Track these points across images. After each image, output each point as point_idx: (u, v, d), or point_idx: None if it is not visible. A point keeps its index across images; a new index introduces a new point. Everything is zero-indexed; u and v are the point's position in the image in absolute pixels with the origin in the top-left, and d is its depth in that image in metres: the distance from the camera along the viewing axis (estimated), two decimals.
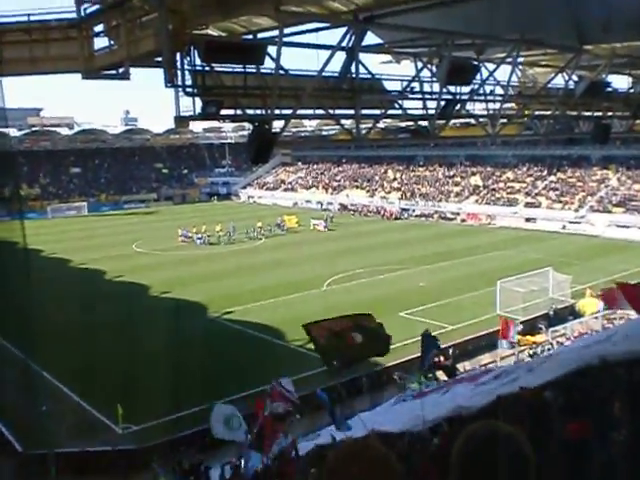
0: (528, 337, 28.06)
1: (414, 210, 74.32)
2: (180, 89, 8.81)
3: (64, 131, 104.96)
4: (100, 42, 10.34)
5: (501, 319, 27.21)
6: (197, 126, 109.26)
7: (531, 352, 25.91)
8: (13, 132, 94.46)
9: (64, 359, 25.71)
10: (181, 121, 9.20)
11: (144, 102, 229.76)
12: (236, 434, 13.91)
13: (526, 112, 16.20)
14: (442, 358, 24.33)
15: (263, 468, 12.62)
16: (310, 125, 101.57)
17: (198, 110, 9.01)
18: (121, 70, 10.12)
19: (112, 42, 10.01)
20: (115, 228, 70.41)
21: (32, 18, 10.56)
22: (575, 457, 3.59)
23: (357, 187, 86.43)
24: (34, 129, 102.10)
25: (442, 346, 24.43)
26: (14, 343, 27.17)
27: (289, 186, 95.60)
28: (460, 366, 23.66)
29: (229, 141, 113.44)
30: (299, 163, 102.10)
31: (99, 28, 10.21)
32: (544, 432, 5.51)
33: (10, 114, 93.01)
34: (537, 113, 16.67)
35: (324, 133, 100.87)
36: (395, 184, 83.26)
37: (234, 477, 13.09)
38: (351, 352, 11.19)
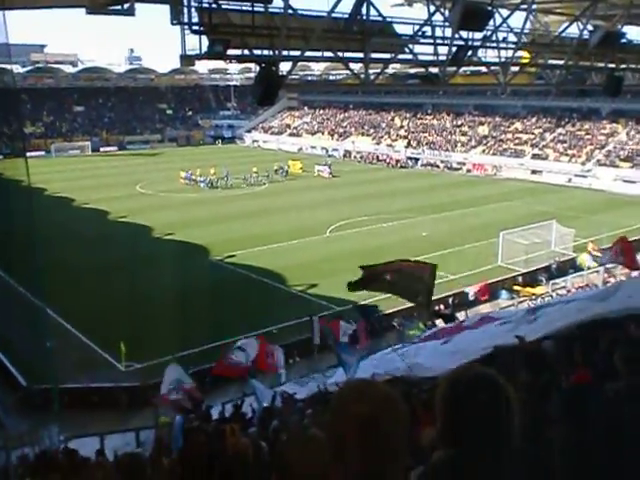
0: (528, 288, 28.29)
1: (420, 159, 73.79)
2: (186, 27, 8.63)
3: (68, 68, 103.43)
4: None
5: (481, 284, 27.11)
6: (202, 67, 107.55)
7: (530, 303, 26.13)
8: (16, 68, 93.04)
9: (68, 297, 25.98)
10: (187, 60, 9.05)
11: (149, 40, 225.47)
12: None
13: (538, 61, 15.87)
14: (442, 306, 24.63)
15: (265, 408, 12.89)
16: (318, 69, 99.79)
17: (204, 49, 8.84)
18: (126, 5, 9.85)
19: None
20: (119, 169, 70.17)
21: None
22: (572, 403, 3.63)
23: (363, 134, 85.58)
24: (37, 66, 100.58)
25: (443, 295, 24.80)
26: (19, 281, 27.46)
27: (294, 131, 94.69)
28: (460, 315, 23.92)
29: (234, 83, 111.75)
30: (305, 108, 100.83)
31: None
32: (542, 381, 5.59)
33: (13, 50, 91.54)
34: (549, 62, 16.33)
35: (331, 77, 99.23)
36: (402, 132, 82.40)
37: (235, 415, 13.36)
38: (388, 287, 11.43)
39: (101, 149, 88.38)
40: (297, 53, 10.21)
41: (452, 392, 1.81)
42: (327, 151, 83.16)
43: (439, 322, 21.28)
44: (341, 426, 1.54)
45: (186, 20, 8.54)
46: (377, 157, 76.92)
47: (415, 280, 11.53)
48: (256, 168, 60.26)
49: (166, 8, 8.80)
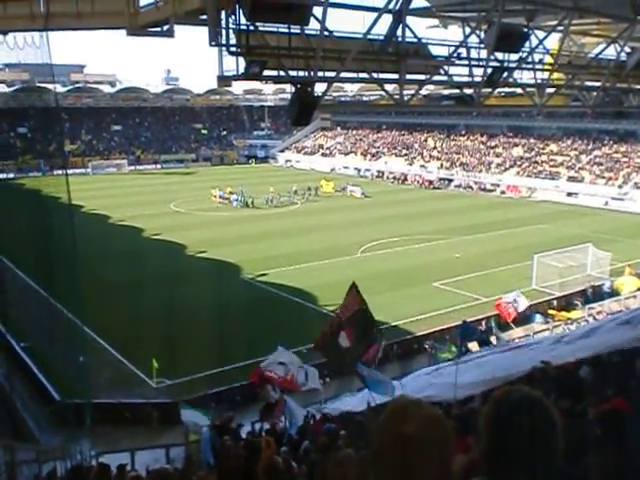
0: (563, 313, 27.78)
1: (453, 180, 73.43)
2: (224, 48, 8.76)
3: (106, 88, 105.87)
4: None
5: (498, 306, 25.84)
6: (237, 88, 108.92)
7: (565, 328, 25.64)
8: (57, 88, 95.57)
9: (103, 314, 26.29)
10: (224, 80, 9.16)
11: (186, 61, 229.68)
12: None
13: (575, 83, 15.73)
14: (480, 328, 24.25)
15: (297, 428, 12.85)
16: (351, 90, 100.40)
17: (241, 70, 8.96)
18: (166, 27, 10.08)
19: None
20: (154, 187, 71.24)
21: None
22: (609, 431, 3.55)
23: (396, 155, 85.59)
24: (77, 85, 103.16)
25: (474, 318, 24.45)
26: (56, 296, 27.92)
27: (327, 151, 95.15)
28: (493, 339, 23.59)
29: (269, 104, 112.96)
30: (338, 128, 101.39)
31: None
32: (580, 407, 5.48)
33: (54, 70, 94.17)
34: (586, 84, 16.18)
35: (365, 98, 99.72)
36: (435, 152, 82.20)
37: (263, 433, 13.33)
38: (343, 354, 11.61)
39: (137, 167, 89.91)
40: (332, 74, 10.28)
41: (498, 412, 1.79)
42: (359, 171, 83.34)
43: (472, 345, 21.01)
44: (389, 445, 1.53)
45: (224, 42, 8.67)
46: (409, 177, 76.74)
47: (348, 326, 12.02)
48: (273, 188, 60.05)
49: (204, 30, 8.96)
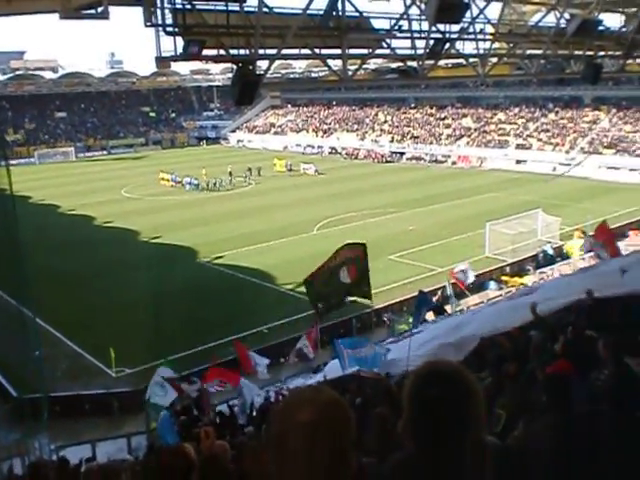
0: (516, 278, 28.39)
1: (405, 153, 73.89)
2: (160, 28, 8.56)
3: (48, 75, 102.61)
4: None
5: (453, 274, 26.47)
6: (184, 68, 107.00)
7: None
8: None
9: (56, 305, 25.78)
10: (162, 62, 8.98)
11: (129, 44, 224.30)
12: (164, 399, 13.93)
13: (516, 51, 15.90)
14: (434, 298, 24.62)
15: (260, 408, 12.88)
16: (299, 67, 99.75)
17: (180, 50, 8.77)
18: (100, 9, 9.77)
19: None
20: (103, 173, 69.75)
21: None
22: (554, 394, 3.63)
23: (347, 130, 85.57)
24: (18, 73, 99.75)
25: (430, 288, 24.77)
26: (5, 290, 27.22)
27: (279, 129, 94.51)
28: (448, 307, 23.99)
29: (217, 83, 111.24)
30: (289, 106, 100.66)
31: None
32: (527, 371, 5.61)
33: None
34: (528, 52, 16.37)
35: (313, 75, 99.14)
36: (386, 126, 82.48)
37: (228, 418, 13.34)
38: (339, 292, 11.55)
39: (85, 154, 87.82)
40: (274, 51, 10.16)
41: (413, 387, 1.80)
42: (313, 148, 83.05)
43: (429, 316, 21.31)
44: (285, 433, 1.52)
45: (160, 22, 8.47)
46: (362, 153, 76.89)
47: (351, 264, 11.99)
48: (205, 171, 59.24)
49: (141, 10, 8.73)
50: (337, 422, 1.52)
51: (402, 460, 1.87)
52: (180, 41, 8.86)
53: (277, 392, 14.41)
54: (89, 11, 10.12)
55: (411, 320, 21.35)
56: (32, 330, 18.03)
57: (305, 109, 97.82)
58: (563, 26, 14.56)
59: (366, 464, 2.18)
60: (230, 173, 58.91)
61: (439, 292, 25.51)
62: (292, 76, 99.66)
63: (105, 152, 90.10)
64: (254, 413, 13.30)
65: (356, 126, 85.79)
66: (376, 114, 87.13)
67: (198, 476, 2.98)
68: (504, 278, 28.57)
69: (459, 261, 29.14)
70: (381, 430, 4.23)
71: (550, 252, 30.70)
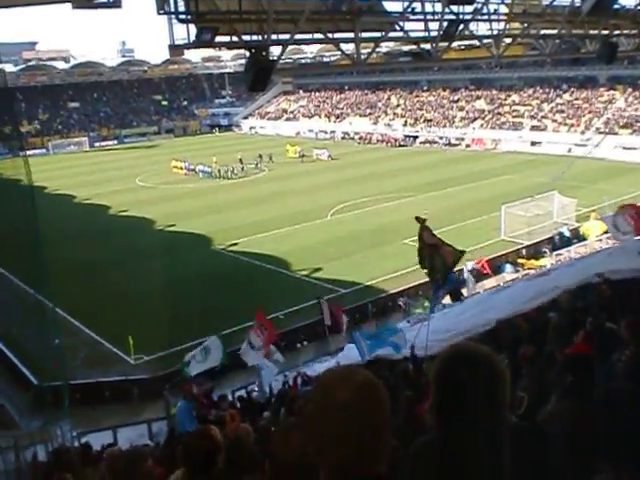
0: (532, 261, 28.25)
1: (418, 137, 73.47)
2: (173, 16, 8.54)
3: (60, 65, 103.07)
4: None
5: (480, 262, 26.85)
6: (195, 55, 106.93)
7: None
8: (9, 67, 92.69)
9: (74, 294, 26.04)
10: (175, 49, 8.96)
11: (140, 32, 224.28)
12: (210, 361, 14.18)
13: (531, 32, 15.71)
14: None
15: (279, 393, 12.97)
16: (311, 51, 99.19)
17: (193, 38, 8.76)
18: None
19: None
20: (117, 163, 70.07)
21: None
22: (577, 374, 3.61)
23: (360, 115, 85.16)
24: (30, 64, 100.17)
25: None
26: (25, 280, 27.53)
27: (291, 115, 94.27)
28: (464, 291, 23.91)
29: (228, 70, 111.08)
30: (300, 91, 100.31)
31: None
32: (545, 352, 5.59)
33: (4, 49, 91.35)
34: (542, 32, 16.17)
35: (325, 59, 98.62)
36: (399, 110, 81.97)
37: (246, 402, 13.45)
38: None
39: (98, 144, 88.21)
40: (286, 37, 10.12)
41: (441, 369, 1.81)
42: (326, 133, 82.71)
43: (446, 300, 21.27)
44: (321, 414, 1.54)
45: (172, 9, 8.45)
46: (375, 137, 76.53)
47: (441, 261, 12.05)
48: (216, 158, 58.86)
49: None
50: (373, 401, 1.54)
51: (428, 443, 1.89)
52: (193, 28, 8.84)
53: (296, 377, 14.48)
54: (101, 0, 10.17)
55: (427, 304, 21.43)
56: (51, 319, 18.28)
57: (317, 94, 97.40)
58: (578, 5, 14.38)
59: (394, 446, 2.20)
60: (240, 160, 58.87)
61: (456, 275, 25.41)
62: (304, 61, 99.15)
63: (118, 141, 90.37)
64: (272, 398, 13.40)
65: (369, 110, 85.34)
66: (389, 98, 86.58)
67: (224, 458, 3.02)
68: (520, 261, 28.42)
69: (474, 244, 29.09)
70: (407, 413, 4.25)
71: (566, 234, 30.49)
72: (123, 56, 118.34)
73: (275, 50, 10.60)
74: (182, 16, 8.59)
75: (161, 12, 8.36)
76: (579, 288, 9.23)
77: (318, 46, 76.46)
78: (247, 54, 9.77)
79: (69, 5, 10.32)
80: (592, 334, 5.68)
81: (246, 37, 9.76)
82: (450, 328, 11.02)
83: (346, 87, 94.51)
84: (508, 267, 27.87)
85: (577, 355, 3.95)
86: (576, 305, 8.24)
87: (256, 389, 14.26)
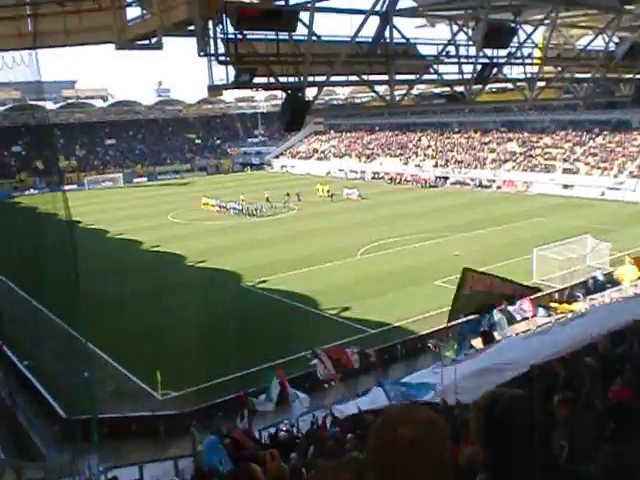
0: (565, 305, 27.75)
1: (449, 178, 73.49)
2: (213, 58, 8.77)
3: (98, 103, 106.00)
4: (133, 12, 10.33)
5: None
6: (229, 96, 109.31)
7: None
8: (49, 105, 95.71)
9: (106, 328, 26.29)
10: (214, 90, 9.18)
11: (176, 72, 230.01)
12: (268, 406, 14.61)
13: (565, 75, 15.75)
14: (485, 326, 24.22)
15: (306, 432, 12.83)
16: (343, 93, 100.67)
17: (231, 78, 8.97)
18: (154, 40, 10.09)
19: (144, 12, 9.98)
20: (151, 199, 71.28)
21: None
22: (617, 422, 3.53)
23: (390, 155, 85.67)
24: (69, 101, 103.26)
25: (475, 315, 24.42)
26: (56, 313, 27.93)
27: (322, 155, 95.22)
28: (496, 334, 23.53)
29: (261, 110, 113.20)
30: (331, 131, 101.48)
31: None
32: (583, 397, 5.46)
33: (45, 87, 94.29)
34: (576, 76, 16.20)
35: (357, 101, 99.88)
36: (429, 151, 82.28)
37: (271, 442, 13.32)
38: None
39: (133, 180, 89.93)
40: (322, 78, 10.29)
41: (487, 417, 1.79)
42: (357, 173, 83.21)
43: (476, 342, 20.97)
44: (386, 450, 1.53)
45: (212, 51, 8.68)
46: (405, 177, 76.74)
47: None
48: (243, 196, 60.15)
49: (192, 40, 8.97)
50: (437, 439, 1.54)
51: None
52: (231, 69, 9.06)
53: (324, 417, 14.33)
54: (144, 42, 10.50)
55: (456, 346, 21.13)
56: (83, 352, 18.46)
57: (348, 134, 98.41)
58: (612, 49, 14.40)
59: None
60: (267, 199, 59.55)
61: (487, 317, 25.07)
62: (336, 102, 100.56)
63: (152, 178, 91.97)
64: (298, 437, 13.26)
65: (399, 151, 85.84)
66: (419, 139, 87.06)
67: None
68: (553, 305, 27.93)
69: None
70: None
71: (600, 278, 29.97)
72: (159, 95, 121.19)
73: (310, 91, 10.81)
74: (222, 58, 8.81)
75: (202, 54, 8.59)
76: (616, 333, 9.05)
77: (350, 87, 77.57)
78: (283, 95, 9.96)
79: (110, 46, 10.77)
80: (632, 381, 5.54)
81: (283, 78, 9.97)
82: (481, 372, 10.82)
83: (377, 128, 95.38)
84: (541, 311, 27.36)
85: (620, 402, 3.86)
86: (614, 351, 8.07)
87: (283, 429, 14.15)
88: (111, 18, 10.16)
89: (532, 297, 26.51)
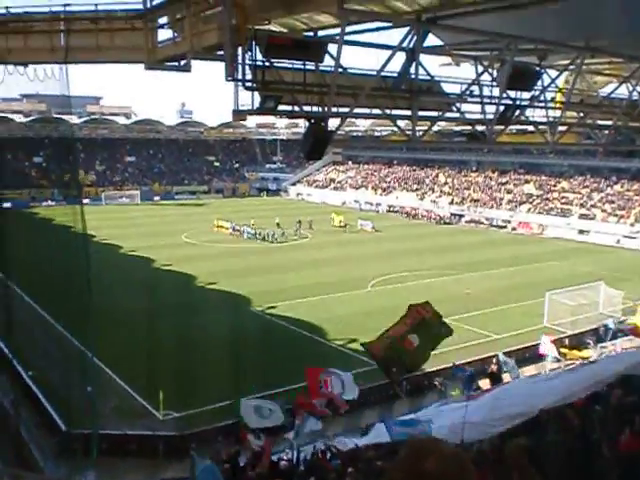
0: (575, 351, 27.43)
1: (464, 215, 73.48)
2: (240, 83, 8.90)
3: (121, 120, 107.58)
4: (164, 34, 10.53)
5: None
6: (250, 121, 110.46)
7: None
8: (73, 119, 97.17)
9: (112, 344, 26.24)
10: (239, 114, 9.29)
11: (200, 95, 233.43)
12: (271, 420, 14.27)
13: (587, 121, 15.80)
14: (494, 367, 24.03)
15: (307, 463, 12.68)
16: (363, 125, 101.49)
17: (256, 104, 9.09)
18: (183, 62, 10.27)
19: (176, 34, 10.17)
20: (166, 218, 71.76)
21: (99, 7, 10.81)
22: (625, 472, 3.47)
23: (407, 189, 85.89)
24: (93, 117, 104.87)
25: (483, 355, 24.27)
26: (65, 325, 27.97)
27: (338, 185, 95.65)
28: (504, 376, 23.29)
29: (281, 137, 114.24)
30: (350, 162, 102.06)
31: (164, 20, 10.38)
32: (593, 445, 5.37)
33: (71, 101, 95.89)
34: (598, 123, 16.26)
35: (376, 133, 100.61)
36: (446, 188, 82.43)
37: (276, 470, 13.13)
38: (411, 357, 11.41)
39: (151, 199, 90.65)
40: (346, 110, 10.40)
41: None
42: (372, 205, 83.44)
43: (483, 383, 20.76)
44: None
45: (240, 77, 8.81)
46: (420, 212, 76.82)
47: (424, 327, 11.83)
48: (254, 221, 60.70)
49: (218, 64, 9.13)
50: (461, 472, 1.52)
51: None
52: (257, 96, 9.18)
53: (325, 449, 14.14)
54: (172, 63, 10.69)
55: (461, 386, 20.90)
56: (88, 366, 18.42)
57: (366, 166, 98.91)
58: (635, 99, 14.46)
59: None
60: (278, 224, 59.75)
61: (494, 359, 24.87)
62: (355, 134, 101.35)
63: (168, 197, 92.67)
64: (300, 466, 13.07)
65: (416, 186, 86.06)
66: (437, 175, 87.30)
67: None
68: (563, 350, 27.60)
69: (516, 329, 28.53)
70: None
71: (612, 326, 29.64)
72: (182, 116, 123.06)
73: (333, 121, 10.91)
74: (248, 84, 8.94)
75: (229, 79, 8.72)
76: (627, 383, 8.93)
77: (370, 119, 78.25)
78: (306, 123, 10.07)
79: (138, 65, 10.97)
80: None
81: (307, 107, 10.08)
82: (488, 413, 10.67)
83: (395, 161, 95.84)
84: (550, 356, 27.08)
85: (629, 453, 3.80)
86: (623, 401, 7.95)
87: (285, 458, 13.97)
88: (142, 38, 10.37)
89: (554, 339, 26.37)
